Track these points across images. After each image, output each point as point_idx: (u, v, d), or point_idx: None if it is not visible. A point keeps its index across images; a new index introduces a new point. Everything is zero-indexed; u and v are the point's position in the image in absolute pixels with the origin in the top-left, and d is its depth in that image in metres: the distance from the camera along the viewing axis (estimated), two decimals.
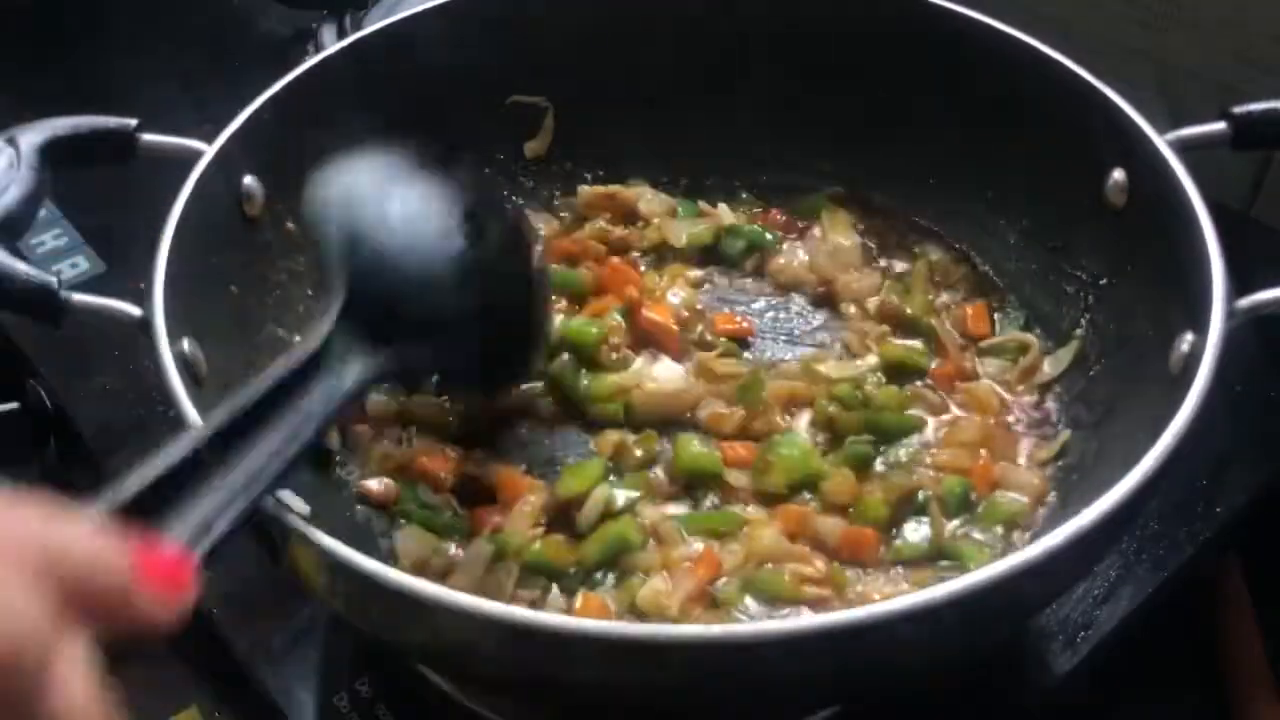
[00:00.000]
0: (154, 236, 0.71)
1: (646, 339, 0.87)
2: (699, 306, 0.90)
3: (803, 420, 0.82)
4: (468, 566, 0.73)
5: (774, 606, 0.72)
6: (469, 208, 0.69)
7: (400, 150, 0.71)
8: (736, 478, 0.78)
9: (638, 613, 0.71)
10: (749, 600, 0.72)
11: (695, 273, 0.94)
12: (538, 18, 0.94)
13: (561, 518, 0.76)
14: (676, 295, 0.90)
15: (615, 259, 0.93)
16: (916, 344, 0.87)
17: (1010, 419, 0.83)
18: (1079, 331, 0.85)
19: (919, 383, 0.85)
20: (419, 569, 0.73)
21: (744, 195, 1.00)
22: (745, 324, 0.89)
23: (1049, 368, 0.85)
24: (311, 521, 0.59)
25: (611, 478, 0.78)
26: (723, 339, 0.87)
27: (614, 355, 0.85)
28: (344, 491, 0.79)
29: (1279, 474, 0.87)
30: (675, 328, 0.87)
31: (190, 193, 0.74)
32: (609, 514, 0.76)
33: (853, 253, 0.94)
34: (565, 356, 0.83)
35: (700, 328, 0.88)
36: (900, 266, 0.94)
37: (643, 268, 0.94)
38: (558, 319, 0.87)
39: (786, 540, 0.75)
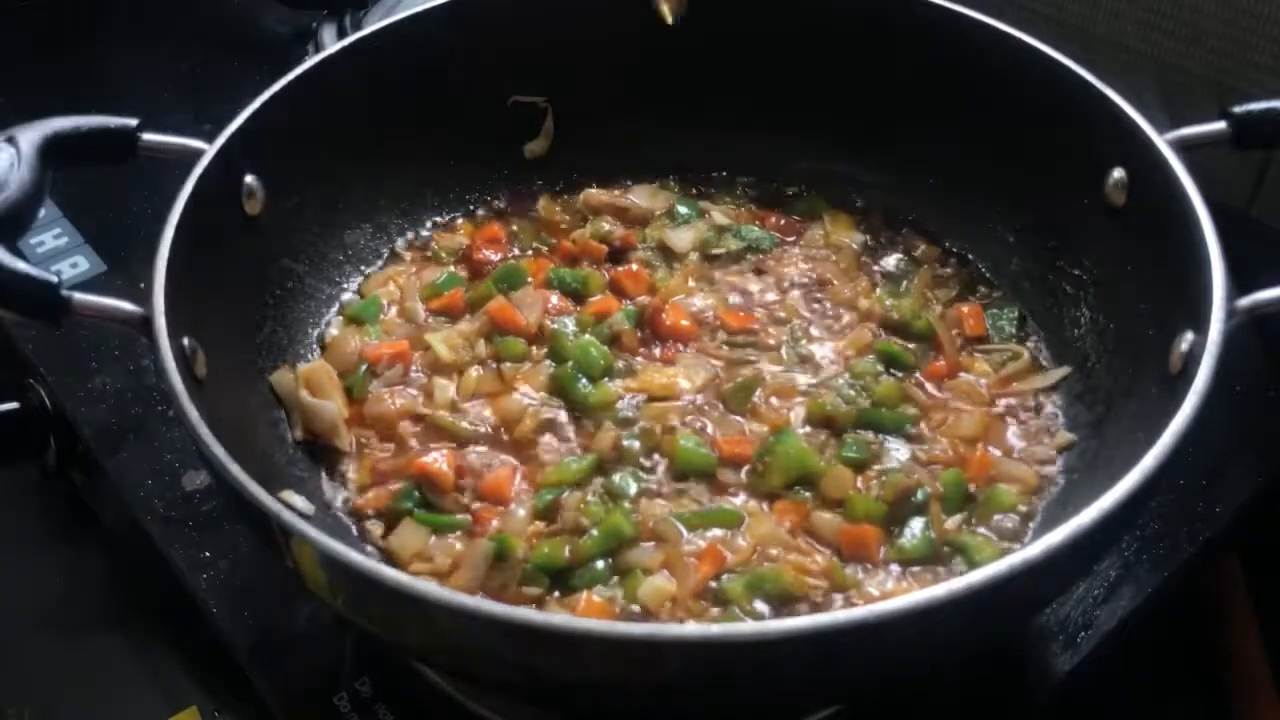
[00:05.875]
0: (154, 236, 0.71)
1: (660, 337, 0.87)
2: (709, 313, 0.90)
3: (799, 416, 0.82)
4: (469, 566, 0.73)
5: (776, 601, 0.72)
6: None
7: None
8: (732, 474, 0.79)
9: (642, 611, 0.71)
10: (752, 596, 0.72)
11: (695, 273, 0.94)
12: (537, 18, 0.94)
13: (559, 516, 0.76)
14: (695, 297, 0.91)
15: (625, 265, 0.93)
16: (909, 344, 0.87)
17: (1006, 415, 0.83)
18: (1075, 341, 0.85)
19: (911, 380, 0.85)
20: (415, 565, 0.73)
21: (743, 196, 1.00)
22: (744, 323, 0.89)
23: (1039, 380, 0.85)
24: (313, 521, 0.59)
25: (617, 476, 0.78)
26: (723, 336, 0.88)
27: (619, 364, 0.85)
28: (346, 493, 0.79)
29: (1279, 474, 0.87)
30: (695, 328, 0.87)
31: (191, 192, 0.74)
32: (596, 508, 0.76)
33: (851, 253, 0.94)
34: (569, 364, 0.84)
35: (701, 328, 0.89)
36: (898, 267, 0.94)
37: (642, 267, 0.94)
38: (560, 320, 0.88)
39: (785, 534, 0.75)
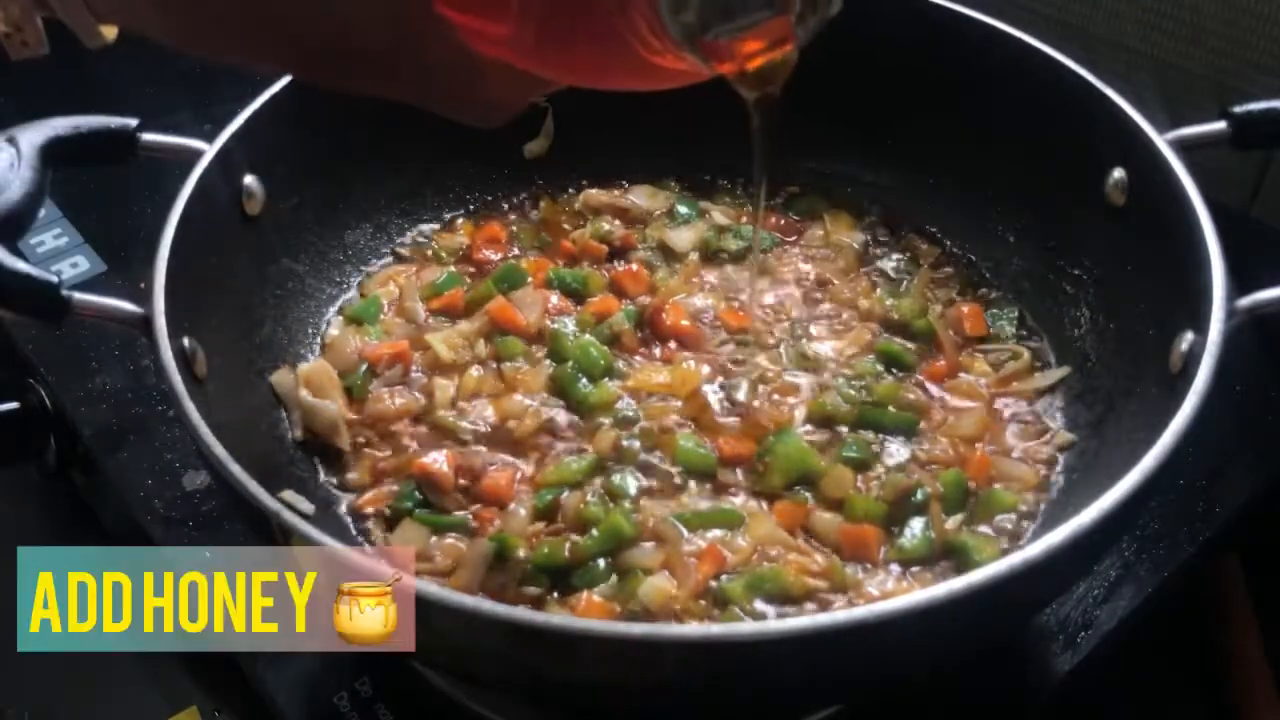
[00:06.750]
0: (154, 236, 0.71)
1: (660, 337, 0.87)
2: (709, 313, 0.90)
3: (800, 416, 0.82)
4: (469, 566, 0.73)
5: (776, 602, 0.72)
6: None
7: None
8: (733, 474, 0.79)
9: (642, 611, 0.71)
10: (752, 596, 0.72)
11: (697, 273, 0.94)
12: None
13: (559, 516, 0.76)
14: (697, 298, 0.91)
15: (625, 265, 0.93)
16: (909, 344, 0.87)
17: (1006, 415, 0.83)
18: (1075, 341, 0.85)
19: (911, 380, 0.85)
20: (415, 565, 0.73)
21: (743, 196, 1.00)
22: (744, 323, 0.89)
23: (1039, 380, 0.85)
24: (313, 521, 0.59)
25: (617, 476, 0.78)
26: (723, 336, 0.88)
27: (620, 364, 0.85)
28: (346, 493, 0.80)
29: (1279, 474, 0.87)
30: (699, 329, 0.88)
31: (191, 192, 0.74)
32: (596, 508, 0.76)
33: (851, 253, 0.94)
34: (569, 364, 0.84)
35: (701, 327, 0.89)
36: (898, 267, 0.94)
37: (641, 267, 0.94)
38: (561, 320, 0.88)
39: (785, 534, 0.75)
